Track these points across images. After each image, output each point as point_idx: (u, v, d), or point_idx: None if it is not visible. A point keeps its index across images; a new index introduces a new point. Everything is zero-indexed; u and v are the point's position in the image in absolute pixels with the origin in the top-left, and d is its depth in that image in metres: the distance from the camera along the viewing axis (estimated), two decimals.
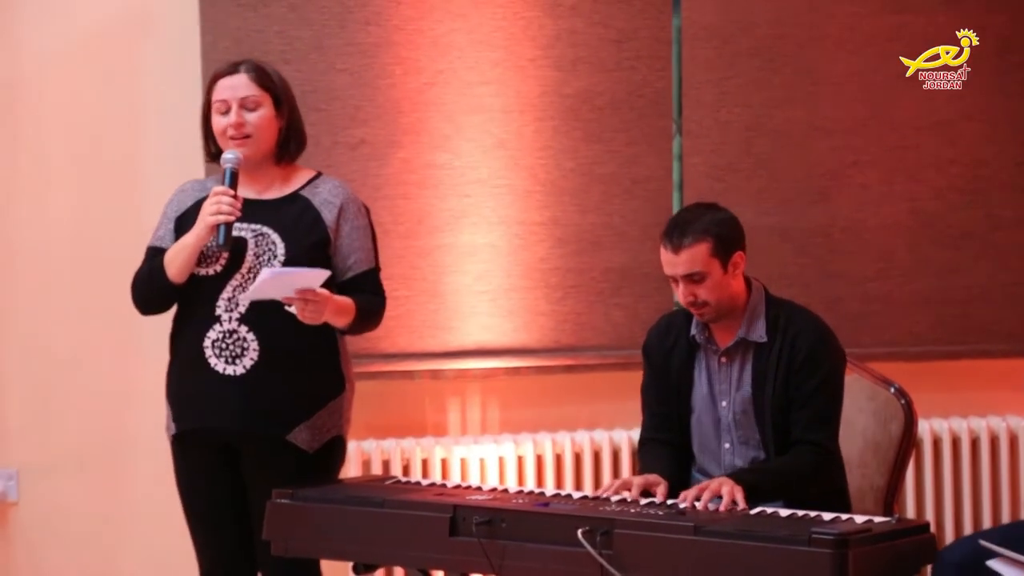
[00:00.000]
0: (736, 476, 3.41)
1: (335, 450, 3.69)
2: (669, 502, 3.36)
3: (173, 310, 3.69)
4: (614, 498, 3.39)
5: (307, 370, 3.63)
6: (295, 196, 3.67)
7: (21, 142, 4.57)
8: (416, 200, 4.62)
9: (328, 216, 3.65)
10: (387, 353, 4.59)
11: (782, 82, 4.79)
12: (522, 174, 4.67)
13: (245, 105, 3.61)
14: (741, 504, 3.31)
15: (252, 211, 3.60)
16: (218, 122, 3.62)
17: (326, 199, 3.66)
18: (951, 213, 4.88)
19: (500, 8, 4.64)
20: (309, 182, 3.70)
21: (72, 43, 4.58)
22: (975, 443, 4.83)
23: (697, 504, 3.31)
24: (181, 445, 3.67)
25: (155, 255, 3.64)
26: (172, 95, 4.56)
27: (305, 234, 3.61)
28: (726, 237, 3.55)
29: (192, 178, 3.83)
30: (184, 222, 3.64)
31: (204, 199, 3.63)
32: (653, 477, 3.49)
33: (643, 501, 3.36)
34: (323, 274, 3.53)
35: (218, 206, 3.52)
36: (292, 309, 3.54)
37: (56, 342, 4.58)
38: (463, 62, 4.63)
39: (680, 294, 3.55)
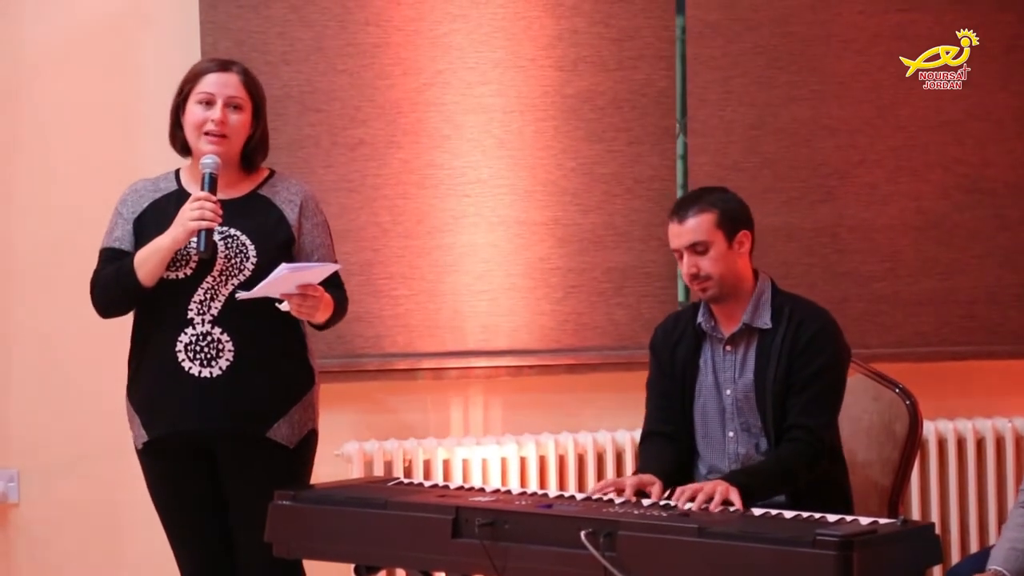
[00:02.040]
0: (731, 478, 3.40)
1: (311, 444, 3.71)
2: (672, 503, 3.34)
3: (130, 318, 3.67)
4: (617, 500, 3.38)
5: (281, 366, 3.64)
6: (254, 195, 3.67)
7: (21, 146, 4.57)
8: (415, 200, 4.61)
9: (291, 215, 3.66)
10: (387, 352, 4.58)
11: (787, 81, 4.78)
12: (523, 174, 4.66)
13: (229, 104, 3.61)
14: (737, 505, 3.30)
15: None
16: (197, 113, 3.61)
17: (287, 197, 3.68)
18: (957, 213, 4.87)
19: (500, 8, 4.63)
20: (266, 180, 3.71)
21: (72, 44, 4.57)
22: (980, 444, 4.81)
23: (691, 505, 3.30)
24: (151, 454, 3.65)
25: (113, 257, 3.63)
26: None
27: (272, 234, 3.63)
28: (732, 212, 3.60)
29: None
30: (142, 224, 3.63)
31: (159, 200, 3.64)
32: (647, 477, 3.49)
33: (646, 502, 3.35)
34: (332, 267, 3.57)
35: (201, 211, 3.51)
36: (283, 306, 3.55)
37: (56, 343, 4.57)
38: (463, 62, 4.62)
39: (684, 267, 3.57)
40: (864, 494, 3.83)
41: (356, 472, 4.48)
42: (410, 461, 4.55)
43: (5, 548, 4.57)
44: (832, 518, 3.19)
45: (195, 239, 3.52)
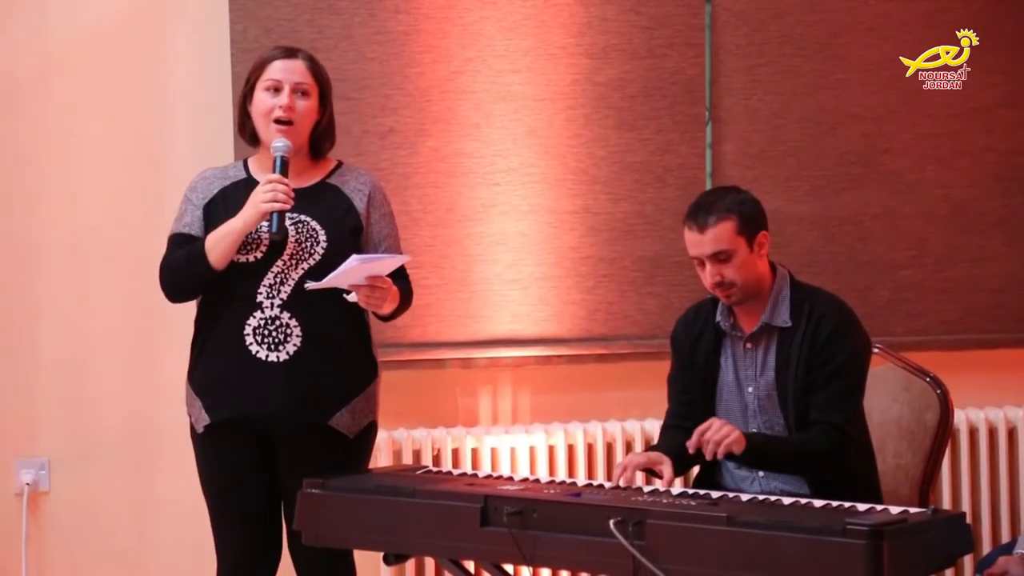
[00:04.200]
0: (748, 435, 3.45)
1: (371, 435, 3.72)
2: (702, 492, 3.35)
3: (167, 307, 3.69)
4: (646, 488, 3.38)
5: (346, 356, 3.65)
6: (324, 184, 3.68)
7: (47, 138, 4.57)
8: (446, 189, 4.61)
9: (359, 204, 3.67)
10: (417, 342, 4.59)
11: (813, 69, 4.77)
12: (553, 163, 4.66)
13: (297, 90, 3.62)
14: (722, 449, 3.36)
15: None
16: (264, 100, 3.61)
17: (355, 187, 3.69)
18: (985, 201, 4.85)
19: None
20: (335, 170, 3.72)
21: (99, 33, 4.57)
22: (1012, 433, 4.79)
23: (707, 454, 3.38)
24: (212, 437, 3.64)
25: (183, 242, 3.62)
26: (202, 84, 4.56)
27: (341, 222, 3.64)
28: (750, 216, 3.56)
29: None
30: (212, 210, 3.64)
31: (228, 187, 3.65)
32: (656, 455, 3.50)
33: (675, 491, 3.36)
34: (403, 259, 3.60)
35: (274, 194, 3.52)
36: (351, 296, 3.56)
37: (87, 332, 4.59)
38: (493, 50, 4.61)
39: (707, 275, 3.55)
40: (894, 483, 3.83)
41: (385, 460, 4.49)
42: (439, 450, 4.56)
43: (36, 535, 4.59)
44: (862, 507, 3.17)
45: (267, 221, 3.53)
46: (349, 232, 3.63)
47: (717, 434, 3.38)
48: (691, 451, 3.41)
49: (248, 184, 3.63)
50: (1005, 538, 4.70)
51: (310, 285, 3.54)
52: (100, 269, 4.58)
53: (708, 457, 3.42)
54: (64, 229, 4.58)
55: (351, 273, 3.50)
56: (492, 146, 4.63)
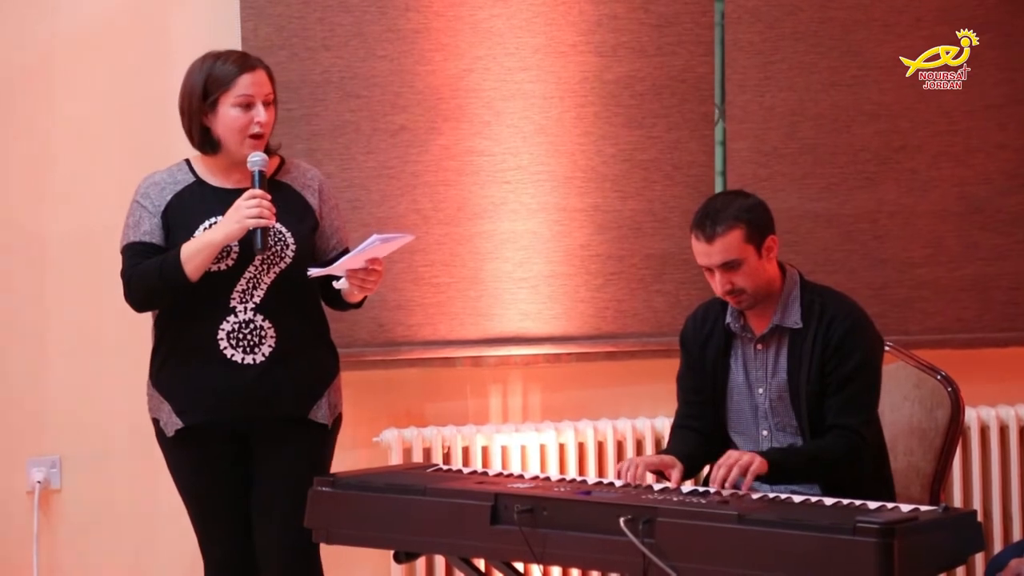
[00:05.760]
0: (764, 453, 3.43)
1: (339, 425, 3.76)
2: (712, 489, 3.34)
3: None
4: (656, 486, 3.38)
5: (315, 350, 3.69)
6: (276, 183, 3.68)
7: (55, 135, 4.58)
8: (456, 187, 4.61)
9: (312, 200, 3.70)
10: (427, 340, 4.59)
11: (827, 66, 4.75)
12: (562, 160, 4.66)
13: (266, 102, 3.63)
14: (749, 477, 3.33)
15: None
16: (238, 117, 3.59)
17: (305, 183, 3.71)
18: (1000, 198, 4.84)
19: None
20: (280, 167, 3.72)
21: (108, 30, 4.58)
22: (1023, 431, 4.78)
23: (728, 484, 3.34)
24: (183, 441, 3.65)
25: (145, 251, 3.61)
26: None
27: (302, 220, 3.67)
28: (758, 222, 3.54)
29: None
30: (169, 217, 3.62)
31: (182, 191, 3.64)
32: (668, 458, 3.50)
33: (686, 489, 3.35)
34: (409, 238, 3.67)
35: (260, 209, 3.53)
36: (340, 283, 3.59)
37: (97, 330, 4.59)
38: (503, 48, 4.61)
39: (717, 284, 3.54)
40: (906, 481, 3.82)
41: (395, 459, 4.50)
42: (449, 448, 4.56)
43: (48, 534, 4.60)
44: (873, 505, 3.18)
45: (255, 238, 3.54)
46: (310, 231, 3.66)
47: (738, 465, 3.35)
48: (716, 487, 3.37)
49: (200, 188, 3.64)
50: (1016, 536, 4.69)
51: (313, 272, 3.57)
52: (110, 267, 4.57)
53: (739, 487, 3.38)
54: (73, 226, 4.59)
55: (361, 256, 3.53)
56: (502, 144, 4.63)
